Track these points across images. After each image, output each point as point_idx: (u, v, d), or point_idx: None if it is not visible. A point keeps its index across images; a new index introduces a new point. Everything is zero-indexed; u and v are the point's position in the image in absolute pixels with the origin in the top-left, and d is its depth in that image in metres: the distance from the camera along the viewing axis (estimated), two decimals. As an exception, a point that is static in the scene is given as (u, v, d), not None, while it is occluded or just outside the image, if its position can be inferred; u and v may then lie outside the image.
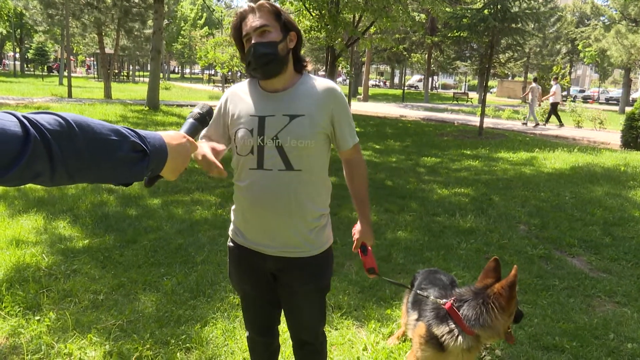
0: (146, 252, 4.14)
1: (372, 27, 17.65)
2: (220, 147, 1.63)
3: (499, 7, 12.26)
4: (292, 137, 1.71)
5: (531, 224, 5.40)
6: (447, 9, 16.89)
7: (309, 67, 1.85)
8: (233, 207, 1.94)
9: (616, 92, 44.33)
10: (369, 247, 1.98)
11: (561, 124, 16.76)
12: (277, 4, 1.78)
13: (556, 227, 5.25)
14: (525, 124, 17.34)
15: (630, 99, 33.20)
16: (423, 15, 21.13)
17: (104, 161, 0.85)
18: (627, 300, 3.60)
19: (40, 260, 3.85)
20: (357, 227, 1.98)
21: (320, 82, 1.81)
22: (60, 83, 28.09)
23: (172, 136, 1.07)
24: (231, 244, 1.95)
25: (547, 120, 17.41)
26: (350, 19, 16.66)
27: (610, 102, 41.91)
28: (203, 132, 1.94)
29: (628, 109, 27.42)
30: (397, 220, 5.36)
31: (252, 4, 1.74)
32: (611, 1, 27.54)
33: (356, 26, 16.80)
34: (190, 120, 1.35)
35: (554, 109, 16.87)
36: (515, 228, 5.24)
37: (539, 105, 17.96)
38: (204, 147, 1.59)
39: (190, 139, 1.15)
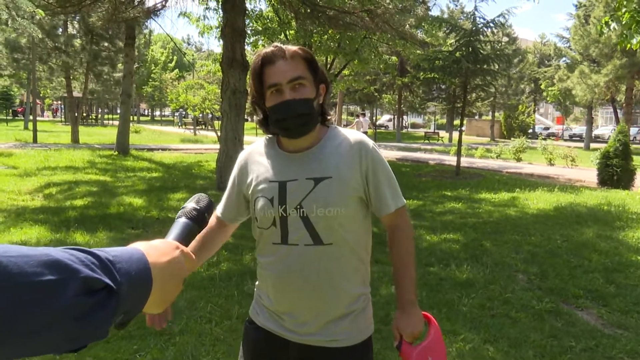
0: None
1: (345, 69, 17.82)
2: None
3: (470, 49, 12.46)
4: (319, 205, 1.40)
5: (530, 272, 5.12)
6: (417, 51, 17.24)
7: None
8: (257, 282, 1.61)
9: (579, 129, 45.90)
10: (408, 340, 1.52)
11: None
12: (274, 47, 1.44)
13: (556, 276, 4.98)
14: None
15: (593, 135, 34.38)
16: (394, 58, 21.56)
17: (28, 324, 0.46)
18: (653, 363, 3.31)
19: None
20: (398, 314, 1.52)
21: (349, 135, 1.50)
22: (26, 127, 27.25)
23: (159, 249, 0.69)
24: (249, 324, 1.60)
25: None
26: (323, 61, 16.76)
27: (573, 138, 43.30)
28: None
29: (593, 145, 28.36)
30: (389, 272, 4.99)
31: (280, 45, 1.42)
32: (573, 43, 28.77)
33: (329, 68, 16.92)
34: (183, 219, 0.93)
35: None
36: (515, 278, 4.95)
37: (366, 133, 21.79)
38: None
39: (185, 248, 0.76)
